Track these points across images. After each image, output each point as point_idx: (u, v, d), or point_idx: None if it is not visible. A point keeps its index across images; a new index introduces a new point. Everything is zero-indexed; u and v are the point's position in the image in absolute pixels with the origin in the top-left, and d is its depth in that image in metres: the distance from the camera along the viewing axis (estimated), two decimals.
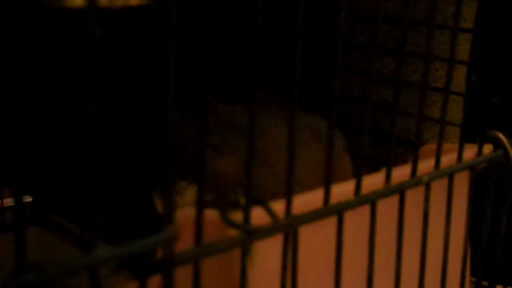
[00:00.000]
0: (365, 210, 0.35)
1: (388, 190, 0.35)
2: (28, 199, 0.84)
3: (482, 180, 0.46)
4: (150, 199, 0.56)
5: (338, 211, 0.32)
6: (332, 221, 0.33)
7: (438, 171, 0.38)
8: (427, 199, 0.37)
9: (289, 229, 0.30)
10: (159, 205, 0.56)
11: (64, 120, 0.70)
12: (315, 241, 0.35)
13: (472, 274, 0.48)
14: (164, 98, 0.25)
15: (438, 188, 0.39)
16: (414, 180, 0.36)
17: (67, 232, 0.80)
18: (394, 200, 0.36)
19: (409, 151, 0.57)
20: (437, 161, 0.39)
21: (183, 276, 0.27)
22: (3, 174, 0.68)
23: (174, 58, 0.24)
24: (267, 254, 0.30)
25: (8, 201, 0.83)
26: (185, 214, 0.28)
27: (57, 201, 0.78)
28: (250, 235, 0.28)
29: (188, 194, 0.44)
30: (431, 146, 0.45)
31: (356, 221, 0.34)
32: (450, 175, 0.39)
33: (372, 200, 0.34)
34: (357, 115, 0.62)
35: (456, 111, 0.61)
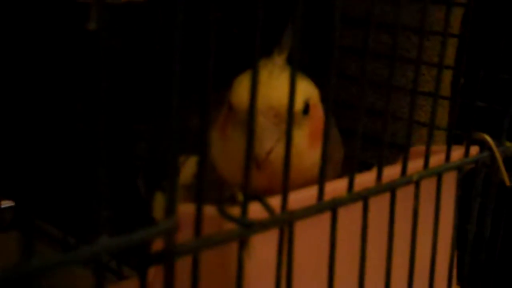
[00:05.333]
0: (353, 211, 0.35)
1: (379, 188, 0.35)
2: (10, 203, 0.84)
3: (467, 183, 0.46)
4: (145, 202, 0.56)
5: (332, 207, 0.32)
6: (325, 218, 0.33)
7: (427, 171, 0.39)
8: (417, 198, 0.38)
9: (285, 223, 0.30)
10: (156, 209, 0.56)
11: (49, 122, 0.70)
12: (308, 237, 0.35)
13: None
14: (164, 93, 0.25)
15: (427, 190, 0.40)
16: (405, 178, 0.37)
17: (50, 237, 0.79)
18: (384, 200, 0.37)
19: (396, 154, 0.58)
20: (426, 161, 0.40)
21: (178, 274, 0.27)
22: None
23: (179, 52, 0.24)
24: (263, 249, 0.31)
25: None
26: (183, 209, 0.29)
27: (40, 206, 0.78)
28: (247, 229, 0.29)
29: (188, 167, 0.44)
30: (419, 148, 0.46)
31: (346, 221, 0.35)
32: (438, 175, 0.40)
33: (364, 197, 0.34)
34: (345, 117, 0.63)
35: (441, 115, 0.62)
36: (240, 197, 0.30)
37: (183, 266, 0.27)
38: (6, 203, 0.83)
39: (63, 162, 0.74)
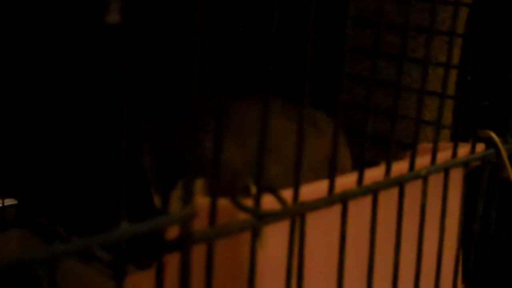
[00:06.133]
0: (361, 207, 0.36)
1: (388, 182, 0.36)
2: (13, 202, 0.84)
3: (471, 183, 0.47)
4: (149, 195, 0.57)
5: (342, 199, 0.33)
6: (333, 213, 0.34)
7: (434, 166, 0.40)
8: (424, 193, 0.39)
9: (297, 214, 0.31)
10: (156, 200, 0.57)
11: (49, 120, 0.70)
12: (317, 231, 0.36)
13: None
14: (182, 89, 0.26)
15: (433, 188, 0.41)
16: (413, 173, 0.38)
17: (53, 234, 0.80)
18: (390, 198, 0.38)
19: (400, 152, 0.59)
20: (434, 157, 0.40)
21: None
22: None
23: (199, 49, 0.25)
24: (275, 240, 0.31)
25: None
26: (198, 202, 0.29)
27: (42, 204, 0.79)
28: (260, 219, 0.29)
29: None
30: (425, 145, 0.46)
31: (354, 216, 0.36)
32: (446, 170, 0.41)
33: (374, 191, 0.35)
34: (350, 117, 0.63)
35: (445, 113, 0.63)
36: (253, 189, 0.30)
37: (194, 258, 0.28)
38: (8, 201, 0.84)
39: (67, 161, 0.74)
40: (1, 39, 0.65)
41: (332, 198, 0.33)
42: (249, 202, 0.30)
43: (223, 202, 0.30)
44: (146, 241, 0.26)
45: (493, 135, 0.45)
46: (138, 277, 0.41)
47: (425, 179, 0.39)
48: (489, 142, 0.46)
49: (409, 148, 0.53)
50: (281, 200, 0.31)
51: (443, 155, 0.42)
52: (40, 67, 0.66)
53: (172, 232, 0.27)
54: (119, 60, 0.24)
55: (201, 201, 0.29)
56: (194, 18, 0.26)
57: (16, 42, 0.64)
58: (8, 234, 0.81)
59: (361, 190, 0.34)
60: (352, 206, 0.34)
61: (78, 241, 0.22)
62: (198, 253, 0.28)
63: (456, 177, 0.44)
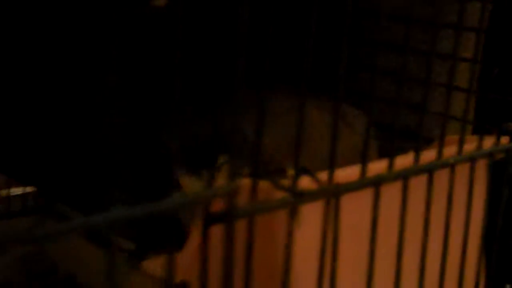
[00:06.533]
0: (387, 194, 0.37)
1: (418, 168, 0.37)
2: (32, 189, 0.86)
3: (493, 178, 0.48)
4: (176, 180, 0.58)
5: (375, 182, 0.34)
6: (363, 198, 0.35)
7: (462, 156, 0.41)
8: (451, 181, 0.40)
9: (332, 194, 0.32)
10: (185, 184, 0.58)
11: (71, 107, 0.71)
12: (349, 215, 0.37)
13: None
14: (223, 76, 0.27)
15: (459, 178, 0.42)
16: (441, 161, 0.39)
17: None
18: (417, 185, 0.39)
19: (422, 145, 0.60)
20: (460, 147, 0.41)
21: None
22: (6, 164, 0.69)
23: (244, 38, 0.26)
24: (309, 222, 0.32)
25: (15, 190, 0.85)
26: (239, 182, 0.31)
27: (62, 191, 0.80)
28: (298, 197, 0.30)
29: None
30: (451, 138, 0.47)
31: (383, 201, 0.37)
32: (472, 160, 0.42)
33: (404, 176, 0.36)
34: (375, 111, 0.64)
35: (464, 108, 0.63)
36: (290, 171, 0.32)
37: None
38: (15, 191, 0.85)
39: (86, 147, 0.75)
40: (43, 17, 0.66)
41: (365, 181, 0.34)
42: (286, 183, 0.32)
43: (262, 183, 0.32)
44: (163, 229, 0.27)
45: None
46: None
47: (452, 167, 0.40)
48: None
49: (431, 142, 0.54)
50: (317, 180, 0.32)
51: (469, 147, 0.43)
52: (72, 52, 0.67)
53: (216, 207, 0.28)
54: (159, 44, 0.25)
55: (242, 181, 0.30)
56: (237, 11, 0.27)
57: (53, 24, 0.65)
58: (27, 221, 0.82)
59: (393, 175, 0.35)
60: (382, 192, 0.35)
61: (134, 208, 0.23)
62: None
63: (481, 169, 0.45)
